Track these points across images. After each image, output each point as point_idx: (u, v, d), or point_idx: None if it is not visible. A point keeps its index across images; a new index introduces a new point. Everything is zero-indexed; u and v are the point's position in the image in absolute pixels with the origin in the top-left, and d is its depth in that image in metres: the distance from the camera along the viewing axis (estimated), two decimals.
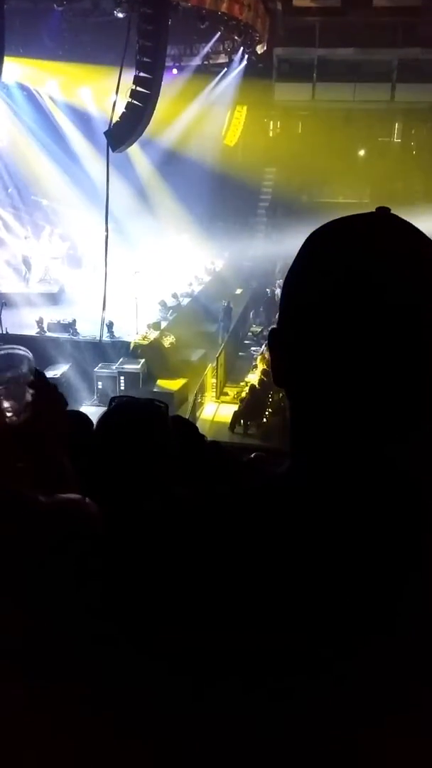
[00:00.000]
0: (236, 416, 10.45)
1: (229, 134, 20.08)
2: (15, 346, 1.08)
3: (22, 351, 1.08)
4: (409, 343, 0.57)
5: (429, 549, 0.58)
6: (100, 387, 11.11)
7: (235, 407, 10.78)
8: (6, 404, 1.02)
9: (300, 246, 0.64)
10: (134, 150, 14.75)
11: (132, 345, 11.85)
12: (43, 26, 13.67)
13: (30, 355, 1.07)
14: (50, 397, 1.08)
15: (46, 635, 0.72)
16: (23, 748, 0.70)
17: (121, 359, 11.47)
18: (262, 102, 20.50)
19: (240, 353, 14.27)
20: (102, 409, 1.62)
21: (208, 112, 18.25)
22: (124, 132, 12.35)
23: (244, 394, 10.88)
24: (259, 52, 17.40)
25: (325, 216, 0.67)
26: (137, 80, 11.88)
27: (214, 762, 0.57)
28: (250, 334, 15.29)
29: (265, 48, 17.71)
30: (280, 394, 9.23)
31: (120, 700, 0.60)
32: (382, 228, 0.60)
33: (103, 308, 12.07)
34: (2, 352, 1.07)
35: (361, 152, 21.84)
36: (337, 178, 19.84)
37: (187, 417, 5.63)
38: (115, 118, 12.30)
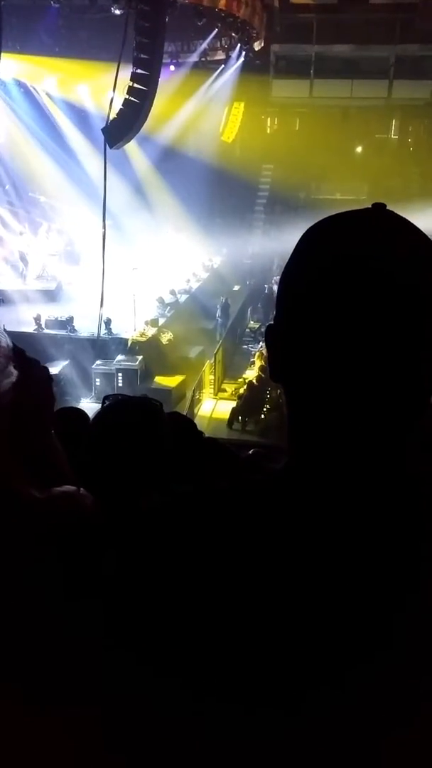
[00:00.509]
0: (234, 412, 10.44)
1: (226, 131, 20.00)
2: None
3: None
4: (406, 336, 0.57)
5: (430, 545, 0.58)
6: (97, 384, 11.08)
7: (233, 403, 10.76)
8: None
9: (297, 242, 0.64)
10: (131, 147, 14.69)
11: (130, 342, 11.81)
12: (40, 23, 13.58)
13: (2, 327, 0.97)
14: (34, 371, 0.99)
15: (40, 634, 0.72)
16: (22, 753, 0.70)
17: (118, 356, 11.43)
18: (260, 99, 20.40)
19: (238, 350, 14.24)
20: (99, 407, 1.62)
21: (206, 108, 18.17)
22: (121, 129, 12.30)
23: (242, 391, 10.87)
24: (256, 49, 17.33)
25: (322, 212, 0.67)
26: (134, 77, 11.82)
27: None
28: (247, 330, 15.26)
29: (262, 45, 17.64)
30: (278, 391, 9.22)
31: (118, 700, 0.60)
32: (378, 224, 0.60)
33: (101, 305, 12.02)
34: None
35: (359, 149, 21.76)
36: (335, 175, 19.78)
37: (185, 413, 5.63)
38: (113, 115, 12.24)
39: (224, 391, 11.90)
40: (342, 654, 0.55)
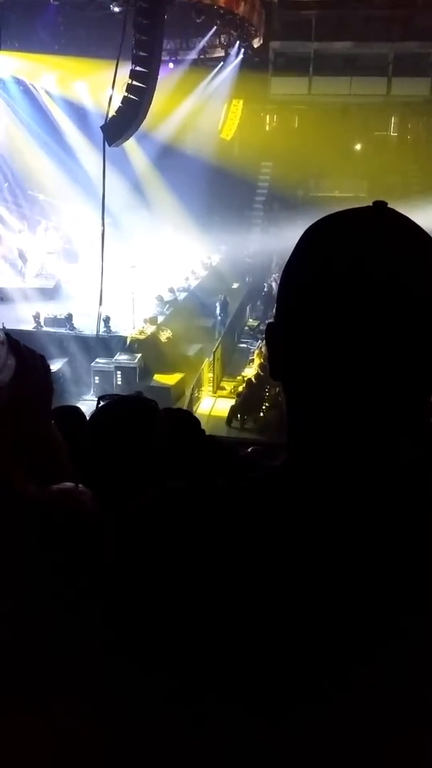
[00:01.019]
0: (233, 410, 10.44)
1: (225, 128, 19.97)
2: None
3: None
4: (407, 335, 0.56)
5: (430, 542, 0.58)
6: (96, 382, 11.09)
7: (232, 401, 10.77)
8: None
9: (297, 240, 0.63)
10: (130, 144, 14.65)
11: (129, 340, 11.81)
12: (39, 20, 13.54)
13: None
14: (30, 362, 0.95)
15: (39, 632, 0.72)
16: (22, 751, 0.70)
17: (117, 354, 11.44)
18: (259, 96, 20.38)
19: (237, 347, 14.24)
20: None
21: (205, 106, 18.14)
22: (120, 126, 12.28)
23: (241, 389, 10.87)
24: (255, 46, 17.30)
25: (322, 210, 0.67)
26: (133, 74, 11.80)
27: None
28: (246, 328, 15.26)
29: (261, 42, 17.61)
30: (277, 388, 9.22)
31: (117, 698, 0.59)
32: (378, 221, 0.60)
33: (100, 303, 12.02)
34: None
35: (358, 146, 21.75)
36: (334, 172, 19.78)
37: None
38: (112, 113, 12.22)
39: (223, 389, 11.91)
40: (343, 652, 0.55)
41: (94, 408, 1.57)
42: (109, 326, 12.01)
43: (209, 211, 18.55)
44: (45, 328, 11.86)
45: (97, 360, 11.39)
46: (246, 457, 2.45)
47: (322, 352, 0.59)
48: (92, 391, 10.92)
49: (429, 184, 17.48)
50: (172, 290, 14.23)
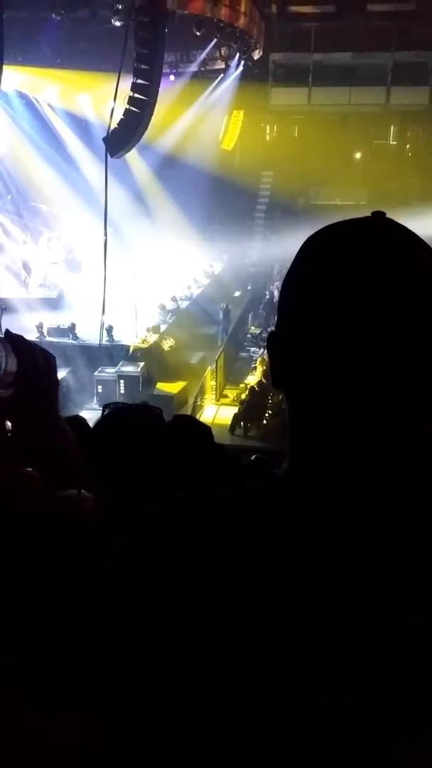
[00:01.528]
0: (236, 418, 10.43)
1: (226, 139, 20.10)
2: None
3: None
4: (407, 344, 0.57)
5: None
6: (100, 391, 11.09)
7: (235, 409, 10.76)
8: None
9: (298, 248, 0.64)
10: (132, 155, 14.75)
11: (131, 348, 11.84)
12: (41, 35, 13.67)
13: None
14: (31, 358, 0.91)
15: (41, 640, 0.71)
16: (23, 759, 0.69)
17: (120, 363, 11.45)
18: (259, 106, 20.52)
19: (239, 355, 14.25)
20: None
21: (205, 117, 18.26)
22: (122, 138, 12.38)
23: (243, 396, 10.87)
24: (255, 58, 17.44)
25: (322, 218, 0.68)
26: (135, 87, 11.91)
27: None
28: (249, 336, 15.28)
29: (261, 53, 17.75)
30: (280, 396, 9.14)
31: (119, 707, 0.59)
32: (378, 231, 0.60)
33: (103, 312, 12.07)
34: None
35: (358, 155, 21.86)
36: (334, 181, 19.87)
37: None
38: (114, 125, 12.33)
39: (226, 396, 11.90)
40: (347, 662, 0.55)
41: (99, 417, 1.57)
42: (112, 335, 12.04)
43: (211, 220, 18.64)
44: (48, 338, 11.88)
45: (100, 369, 11.41)
46: (250, 465, 2.45)
47: (323, 361, 0.59)
48: (95, 401, 10.92)
49: (428, 191, 17.55)
50: (174, 299, 14.27)
